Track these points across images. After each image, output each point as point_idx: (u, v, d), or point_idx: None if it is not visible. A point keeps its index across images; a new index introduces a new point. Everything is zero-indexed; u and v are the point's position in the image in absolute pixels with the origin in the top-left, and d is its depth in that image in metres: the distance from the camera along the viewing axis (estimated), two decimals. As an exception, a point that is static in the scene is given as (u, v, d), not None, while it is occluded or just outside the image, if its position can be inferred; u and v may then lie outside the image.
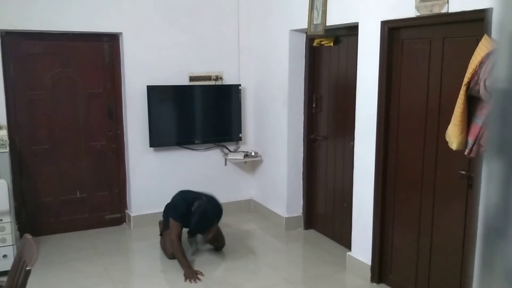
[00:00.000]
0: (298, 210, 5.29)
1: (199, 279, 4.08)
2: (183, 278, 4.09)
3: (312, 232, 5.22)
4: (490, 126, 0.63)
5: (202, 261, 4.45)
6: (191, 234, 4.93)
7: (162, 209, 4.75)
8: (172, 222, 4.37)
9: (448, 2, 3.10)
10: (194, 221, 4.29)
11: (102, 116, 5.25)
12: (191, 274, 4.11)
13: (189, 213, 4.34)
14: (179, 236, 4.36)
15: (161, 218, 4.75)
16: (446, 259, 3.43)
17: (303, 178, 5.23)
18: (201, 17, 5.39)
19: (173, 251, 4.34)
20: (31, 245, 2.42)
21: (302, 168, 5.21)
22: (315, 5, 4.44)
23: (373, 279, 4.02)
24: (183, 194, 4.61)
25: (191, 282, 4.03)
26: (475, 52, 2.70)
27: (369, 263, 4.02)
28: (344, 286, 4.13)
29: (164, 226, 4.57)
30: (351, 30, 4.17)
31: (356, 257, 4.17)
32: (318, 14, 4.40)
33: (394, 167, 3.83)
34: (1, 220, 4.07)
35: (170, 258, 4.43)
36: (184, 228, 4.53)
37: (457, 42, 3.24)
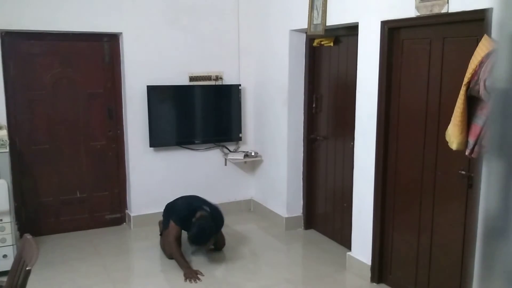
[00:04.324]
0: (298, 210, 5.29)
1: (199, 279, 4.08)
2: (183, 278, 4.09)
3: (312, 232, 5.22)
4: (490, 126, 0.63)
5: (202, 261, 4.45)
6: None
7: (162, 209, 4.76)
8: (172, 224, 4.39)
9: (448, 2, 3.10)
10: (192, 233, 4.26)
11: (102, 116, 5.25)
12: (191, 274, 4.11)
13: (190, 220, 4.33)
14: (177, 238, 4.36)
15: (161, 218, 4.75)
16: (446, 259, 3.44)
17: (303, 178, 5.22)
18: (201, 17, 5.39)
19: (171, 252, 4.35)
20: (31, 245, 2.41)
21: (302, 168, 5.21)
22: (315, 5, 4.44)
23: (373, 279, 4.02)
24: (189, 199, 4.59)
25: (191, 282, 4.04)
26: (475, 52, 2.70)
27: (369, 263, 4.02)
28: (344, 286, 4.13)
29: (164, 226, 4.57)
30: (351, 30, 4.17)
31: (356, 257, 4.17)
32: (318, 14, 4.40)
33: (394, 167, 3.83)
34: (1, 220, 4.07)
35: (169, 258, 4.43)
36: (183, 229, 4.54)
37: (457, 42, 3.24)
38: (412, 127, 3.63)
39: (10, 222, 4.13)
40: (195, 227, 4.24)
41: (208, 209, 4.41)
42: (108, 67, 5.21)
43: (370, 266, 4.02)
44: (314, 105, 5.03)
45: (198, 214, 4.32)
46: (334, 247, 4.77)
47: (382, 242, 3.96)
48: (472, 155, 2.77)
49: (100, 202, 5.34)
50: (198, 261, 4.44)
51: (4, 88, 4.66)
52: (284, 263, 4.62)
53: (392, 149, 3.83)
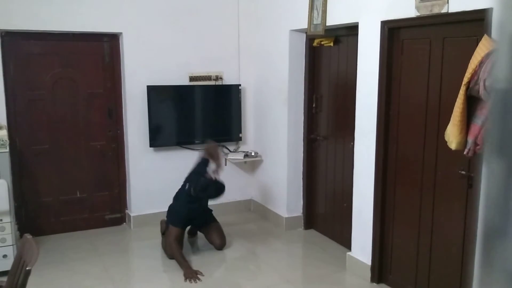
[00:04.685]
0: (298, 210, 5.29)
1: (199, 279, 4.08)
2: (183, 278, 4.09)
3: (312, 232, 5.22)
4: (490, 126, 0.63)
5: (202, 261, 4.45)
6: (192, 233, 4.95)
7: (162, 209, 4.77)
8: (170, 227, 4.43)
9: (448, 2, 3.10)
10: (207, 194, 4.40)
11: (102, 116, 5.25)
12: (191, 274, 4.11)
13: (189, 212, 4.37)
14: (177, 238, 4.38)
15: (163, 218, 4.76)
16: (446, 259, 3.44)
17: (303, 178, 5.22)
18: (201, 17, 5.39)
19: (171, 253, 4.36)
20: (31, 245, 2.41)
21: (302, 168, 5.21)
22: (315, 5, 4.43)
23: (373, 279, 4.02)
24: (176, 197, 4.61)
25: (191, 282, 4.04)
26: (475, 52, 2.70)
27: (369, 263, 4.02)
28: (344, 286, 4.13)
29: (166, 226, 4.58)
30: (351, 30, 4.17)
31: (356, 257, 4.17)
32: (318, 14, 4.40)
33: (394, 167, 3.83)
34: (1, 220, 4.07)
35: (170, 258, 4.44)
36: (184, 228, 4.55)
37: (457, 42, 3.24)
38: (412, 127, 3.63)
39: (10, 222, 4.13)
40: (201, 191, 4.35)
41: (188, 184, 4.47)
42: (108, 67, 5.21)
43: (370, 266, 4.02)
44: (314, 105, 5.03)
45: (191, 191, 4.39)
46: (334, 247, 4.77)
47: (382, 242, 3.96)
48: (469, 154, 2.77)
49: (100, 202, 5.34)
50: (198, 261, 4.44)
51: (4, 88, 4.66)
52: (284, 263, 4.62)
53: (392, 149, 3.83)
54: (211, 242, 4.69)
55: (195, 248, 4.75)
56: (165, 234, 4.56)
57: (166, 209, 4.70)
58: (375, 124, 3.86)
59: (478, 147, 2.71)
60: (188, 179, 4.53)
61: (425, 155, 3.54)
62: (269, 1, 5.28)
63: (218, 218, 4.80)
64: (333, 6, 4.24)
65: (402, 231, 3.80)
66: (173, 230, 4.39)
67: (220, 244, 4.66)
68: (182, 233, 4.49)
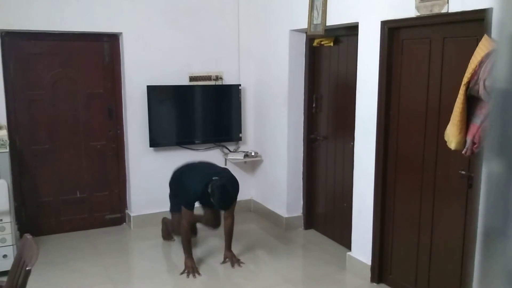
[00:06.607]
0: (298, 210, 5.29)
1: (194, 276, 4.12)
2: (183, 278, 4.10)
3: (312, 232, 5.22)
4: (490, 126, 0.63)
5: (202, 261, 4.45)
6: (192, 234, 4.95)
7: (162, 209, 4.78)
8: (184, 210, 4.28)
9: (448, 2, 3.10)
10: (216, 200, 4.08)
11: (102, 116, 5.25)
12: (190, 267, 4.17)
13: (203, 195, 4.17)
14: (190, 222, 4.35)
15: (164, 217, 4.76)
16: (446, 259, 3.44)
17: (303, 178, 5.22)
18: (201, 17, 5.39)
19: (181, 235, 4.34)
20: (31, 245, 2.42)
21: (302, 168, 5.21)
22: (315, 5, 4.43)
23: (373, 279, 4.02)
24: (196, 175, 4.34)
25: (188, 276, 4.10)
26: (475, 52, 2.70)
27: (369, 263, 4.02)
28: (344, 286, 4.13)
29: (172, 206, 4.56)
30: (351, 30, 4.17)
31: (356, 257, 4.17)
32: (318, 14, 4.40)
33: (394, 167, 3.83)
34: (1, 220, 4.07)
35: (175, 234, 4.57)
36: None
37: (457, 42, 3.24)
38: (412, 127, 3.63)
39: (10, 222, 4.13)
40: (216, 193, 4.04)
41: (217, 177, 4.19)
42: (108, 67, 5.21)
43: (370, 266, 4.02)
44: (314, 105, 5.03)
45: (212, 182, 4.12)
46: (334, 247, 4.77)
47: (382, 242, 3.96)
48: (467, 153, 2.77)
49: (100, 202, 5.34)
50: (198, 261, 4.43)
51: (4, 88, 4.66)
52: (284, 263, 4.62)
53: (392, 149, 3.83)
54: (206, 222, 4.67)
55: (195, 248, 4.74)
56: (175, 215, 4.51)
57: (166, 209, 4.71)
58: (375, 124, 3.85)
59: (475, 145, 2.71)
60: (220, 174, 4.27)
61: (425, 155, 3.54)
62: (269, 1, 5.28)
63: (218, 218, 4.80)
64: (333, 6, 4.24)
65: (402, 231, 3.80)
66: (187, 214, 4.25)
67: (216, 224, 4.59)
68: (193, 218, 4.42)
